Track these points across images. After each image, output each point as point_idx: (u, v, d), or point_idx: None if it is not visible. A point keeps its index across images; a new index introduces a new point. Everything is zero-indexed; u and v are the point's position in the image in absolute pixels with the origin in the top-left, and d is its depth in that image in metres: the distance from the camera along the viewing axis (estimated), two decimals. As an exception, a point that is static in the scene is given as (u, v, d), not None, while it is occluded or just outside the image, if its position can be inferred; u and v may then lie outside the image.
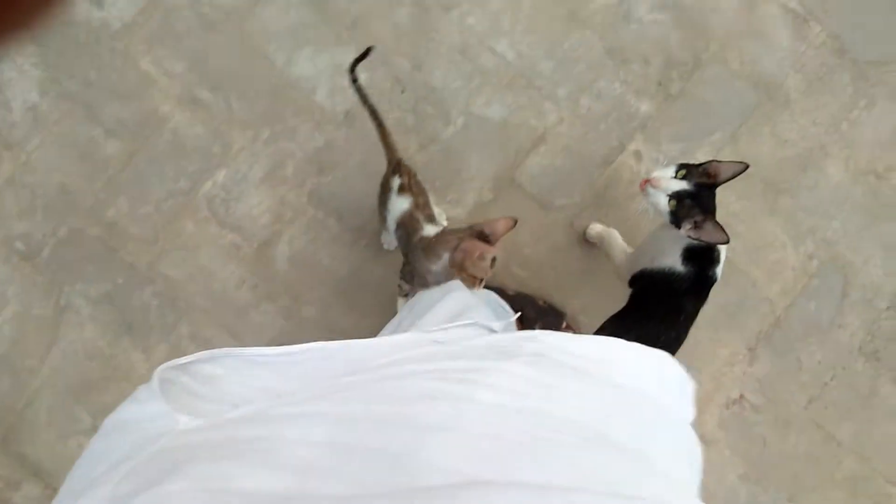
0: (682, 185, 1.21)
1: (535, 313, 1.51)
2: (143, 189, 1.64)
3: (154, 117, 1.66)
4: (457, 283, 1.14)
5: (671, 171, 1.24)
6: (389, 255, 1.61)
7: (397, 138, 1.38)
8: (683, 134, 1.62)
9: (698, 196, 1.20)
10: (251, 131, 1.65)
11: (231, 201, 1.64)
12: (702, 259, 1.26)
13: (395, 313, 1.57)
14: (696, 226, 1.20)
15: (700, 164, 1.23)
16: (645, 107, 1.65)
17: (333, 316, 1.62)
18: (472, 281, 1.13)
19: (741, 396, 1.60)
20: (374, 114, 1.37)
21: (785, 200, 1.62)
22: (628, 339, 1.27)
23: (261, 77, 1.66)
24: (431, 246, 1.21)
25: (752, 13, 1.67)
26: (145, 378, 0.58)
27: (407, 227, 1.30)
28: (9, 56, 1.65)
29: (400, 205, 1.31)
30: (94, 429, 0.58)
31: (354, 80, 1.36)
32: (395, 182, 1.34)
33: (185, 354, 0.61)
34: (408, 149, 1.62)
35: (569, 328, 1.57)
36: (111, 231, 1.63)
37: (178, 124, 1.66)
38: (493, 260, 1.15)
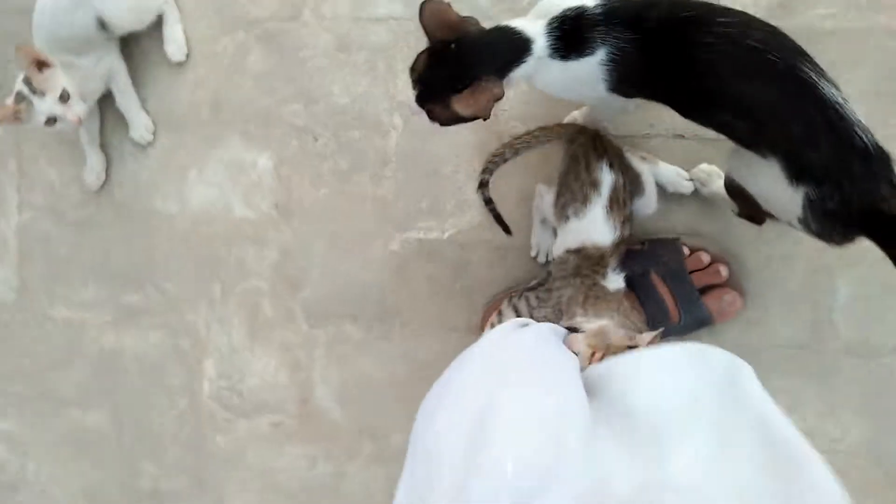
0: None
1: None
2: (153, 440, 1.36)
3: (108, 359, 1.37)
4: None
5: None
6: (431, 329, 1.22)
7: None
8: None
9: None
10: (202, 299, 1.31)
11: (238, 384, 1.31)
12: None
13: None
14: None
15: None
16: None
17: (421, 429, 1.24)
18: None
19: None
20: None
21: None
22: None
23: (167, 240, 1.32)
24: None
25: None
26: None
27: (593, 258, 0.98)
28: None
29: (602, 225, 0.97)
30: None
31: (483, 185, 1.05)
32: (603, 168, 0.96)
33: None
34: (365, 190, 1.23)
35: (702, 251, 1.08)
36: (158, 500, 1.35)
37: (133, 347, 1.35)
38: None
